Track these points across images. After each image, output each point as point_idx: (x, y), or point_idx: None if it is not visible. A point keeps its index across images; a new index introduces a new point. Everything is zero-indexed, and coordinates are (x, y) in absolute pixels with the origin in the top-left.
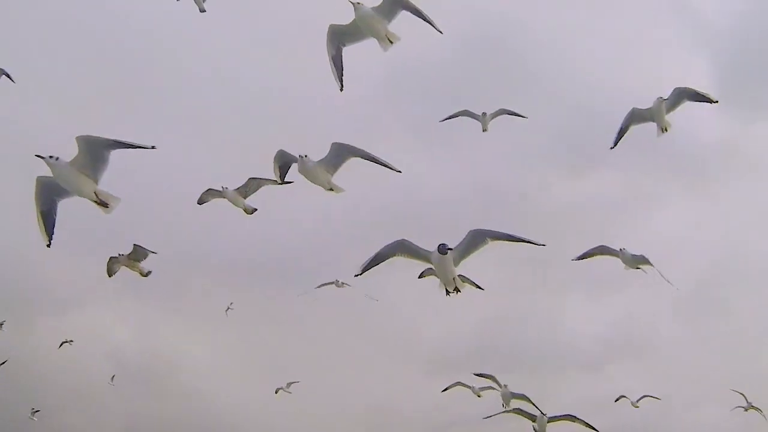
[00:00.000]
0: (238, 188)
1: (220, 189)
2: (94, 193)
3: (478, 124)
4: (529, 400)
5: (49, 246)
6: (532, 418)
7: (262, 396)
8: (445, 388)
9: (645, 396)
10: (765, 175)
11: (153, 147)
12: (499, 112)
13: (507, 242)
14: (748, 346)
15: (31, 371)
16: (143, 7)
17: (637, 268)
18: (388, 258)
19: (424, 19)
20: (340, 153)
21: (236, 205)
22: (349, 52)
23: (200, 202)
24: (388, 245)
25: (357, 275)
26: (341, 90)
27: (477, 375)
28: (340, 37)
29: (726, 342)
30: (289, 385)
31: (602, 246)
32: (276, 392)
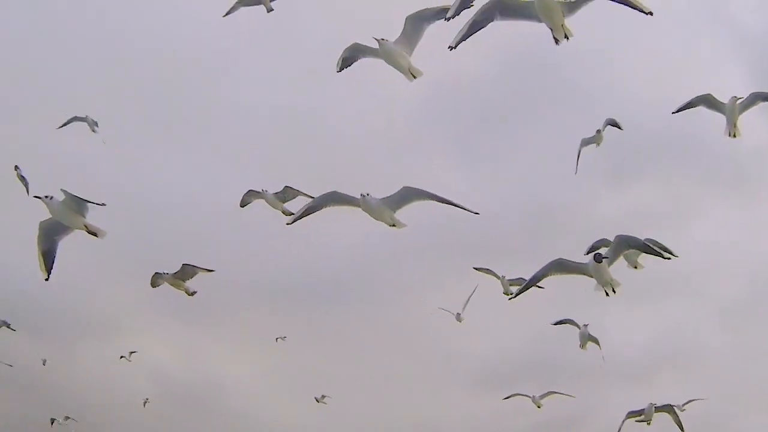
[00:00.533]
0: (276, 193)
1: (260, 191)
2: (84, 225)
3: (517, 141)
4: (598, 343)
5: (47, 280)
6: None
7: (308, 416)
8: (505, 397)
9: (690, 401)
10: None
11: (103, 204)
12: (608, 121)
13: (644, 252)
14: None
15: (75, 396)
16: (171, 28)
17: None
18: (545, 278)
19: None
20: (408, 196)
21: (275, 208)
22: (389, 72)
23: (243, 204)
24: (544, 266)
25: (510, 299)
26: (338, 72)
27: (555, 324)
28: (361, 52)
29: None
30: (323, 397)
31: (602, 240)
32: (318, 401)
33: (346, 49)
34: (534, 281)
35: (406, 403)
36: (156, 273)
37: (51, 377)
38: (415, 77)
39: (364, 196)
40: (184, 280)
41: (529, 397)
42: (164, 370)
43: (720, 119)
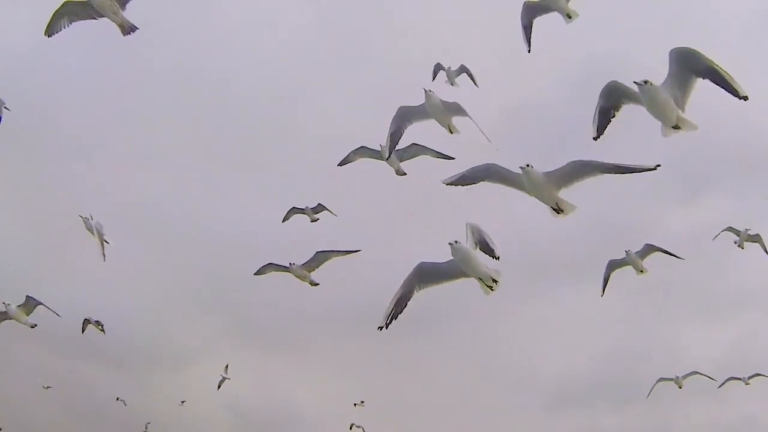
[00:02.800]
0: (398, 150)
1: (380, 147)
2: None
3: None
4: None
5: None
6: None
7: None
8: (648, 395)
9: (757, 374)
10: None
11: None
12: None
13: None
14: None
15: (150, 425)
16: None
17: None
18: None
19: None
20: (578, 171)
21: (393, 167)
22: (463, 92)
23: (343, 162)
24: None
25: None
26: (386, 159)
27: None
28: (408, 117)
29: None
30: (362, 402)
31: (610, 262)
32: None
33: (396, 116)
34: None
35: (481, 424)
36: (271, 264)
37: (128, 407)
38: (452, 132)
39: (524, 167)
40: (310, 271)
41: (672, 379)
42: (241, 398)
43: None
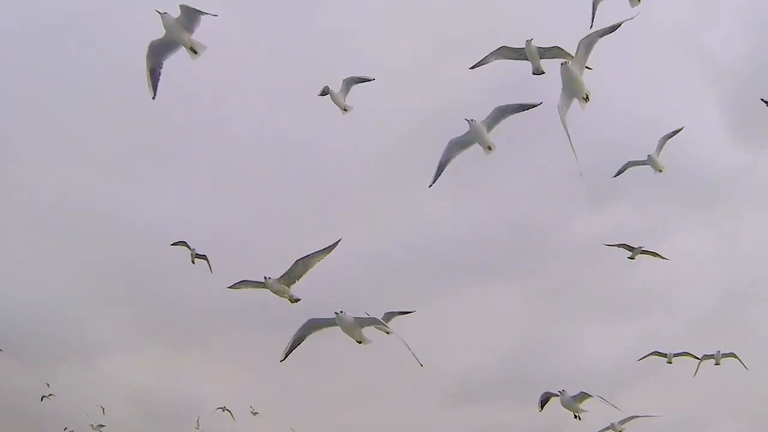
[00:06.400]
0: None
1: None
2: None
3: (501, 166)
4: None
5: (153, 98)
6: None
7: None
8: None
9: (685, 353)
10: None
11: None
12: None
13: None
14: (763, 367)
15: (54, 417)
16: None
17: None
18: None
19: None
20: (502, 113)
21: (533, 64)
22: (378, 101)
23: (478, 63)
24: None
25: None
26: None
27: None
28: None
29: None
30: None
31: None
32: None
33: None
34: None
35: (385, 419)
36: (244, 280)
37: (34, 400)
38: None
39: (469, 120)
40: (288, 285)
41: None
42: (145, 391)
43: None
